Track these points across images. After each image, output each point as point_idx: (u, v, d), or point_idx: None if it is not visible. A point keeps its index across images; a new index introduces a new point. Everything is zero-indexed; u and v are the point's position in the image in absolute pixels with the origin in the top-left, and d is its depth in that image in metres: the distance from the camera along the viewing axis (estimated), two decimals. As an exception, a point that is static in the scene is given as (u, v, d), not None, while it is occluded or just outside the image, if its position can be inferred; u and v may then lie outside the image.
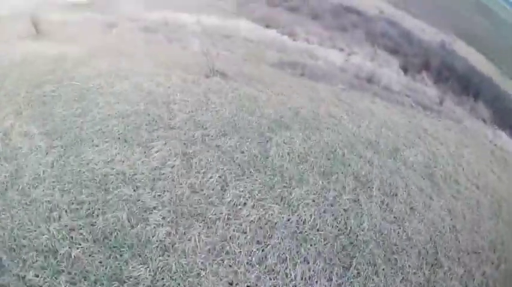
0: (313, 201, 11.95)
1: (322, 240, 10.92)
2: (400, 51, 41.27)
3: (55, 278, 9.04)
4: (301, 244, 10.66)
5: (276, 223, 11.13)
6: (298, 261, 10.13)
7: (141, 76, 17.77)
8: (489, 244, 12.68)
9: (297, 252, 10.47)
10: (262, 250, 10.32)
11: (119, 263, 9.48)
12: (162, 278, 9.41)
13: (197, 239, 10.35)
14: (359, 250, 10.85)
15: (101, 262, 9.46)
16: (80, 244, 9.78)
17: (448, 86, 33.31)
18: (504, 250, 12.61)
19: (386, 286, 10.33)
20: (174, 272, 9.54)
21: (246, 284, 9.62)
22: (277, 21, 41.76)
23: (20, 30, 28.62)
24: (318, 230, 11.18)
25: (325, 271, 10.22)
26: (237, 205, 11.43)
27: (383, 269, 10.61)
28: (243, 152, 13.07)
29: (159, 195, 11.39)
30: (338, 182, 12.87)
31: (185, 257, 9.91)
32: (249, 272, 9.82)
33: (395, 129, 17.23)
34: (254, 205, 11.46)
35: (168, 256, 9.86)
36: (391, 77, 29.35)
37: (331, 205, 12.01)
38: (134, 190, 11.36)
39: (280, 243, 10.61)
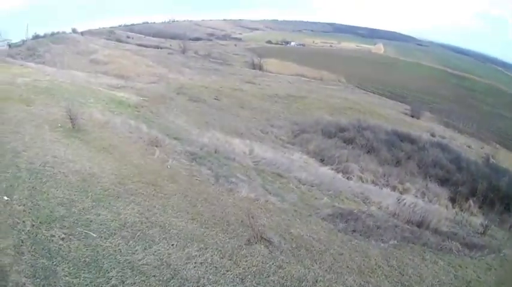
0: None
1: None
2: (450, 180, 40.15)
3: None
4: None
5: None
6: None
7: (172, 241, 14.77)
8: None
9: None
10: None
11: None
12: None
13: None
14: None
15: None
16: None
17: (491, 209, 34.08)
18: None
19: None
20: None
21: None
22: (333, 156, 39.51)
23: (56, 116, 27.55)
24: None
25: None
26: None
27: None
28: None
29: None
30: None
31: None
32: None
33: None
34: None
35: None
36: (440, 214, 27.20)
37: None
38: None
39: None
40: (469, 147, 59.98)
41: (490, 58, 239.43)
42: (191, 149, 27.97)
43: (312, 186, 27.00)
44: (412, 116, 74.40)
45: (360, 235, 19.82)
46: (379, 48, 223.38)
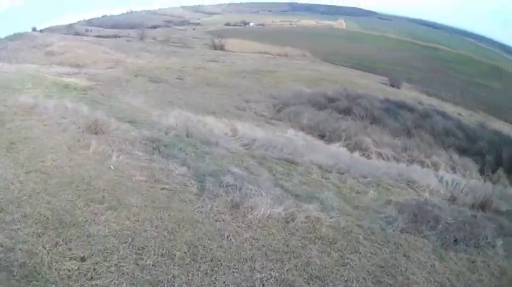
0: None
1: None
2: (469, 149, 33.57)
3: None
4: None
5: None
6: None
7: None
8: None
9: None
10: None
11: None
12: None
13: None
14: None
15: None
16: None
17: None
18: None
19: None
20: None
21: None
22: (336, 130, 30.91)
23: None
24: None
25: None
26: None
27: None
28: None
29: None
30: None
31: None
32: None
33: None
34: None
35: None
36: (486, 190, 20.12)
37: None
38: None
39: None
40: (459, 114, 53.47)
41: (459, 30, 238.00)
42: (151, 135, 17.45)
43: (341, 173, 17.74)
44: (392, 86, 67.91)
45: (466, 245, 12.45)
46: (340, 23, 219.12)
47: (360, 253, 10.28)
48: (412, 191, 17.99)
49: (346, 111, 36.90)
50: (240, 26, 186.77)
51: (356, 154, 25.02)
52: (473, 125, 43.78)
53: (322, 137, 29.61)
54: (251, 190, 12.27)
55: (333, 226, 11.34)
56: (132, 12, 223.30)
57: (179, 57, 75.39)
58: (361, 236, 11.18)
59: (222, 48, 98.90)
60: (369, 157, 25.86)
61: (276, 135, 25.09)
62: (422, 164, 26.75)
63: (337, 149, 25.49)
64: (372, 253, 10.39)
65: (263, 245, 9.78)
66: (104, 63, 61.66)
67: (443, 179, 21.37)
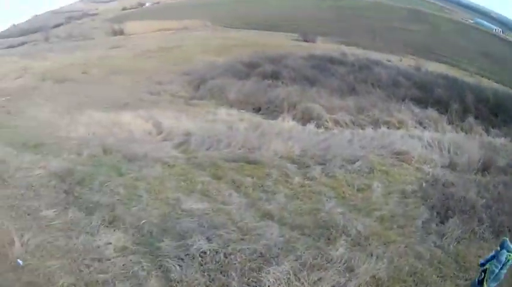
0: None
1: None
2: (422, 99, 28.93)
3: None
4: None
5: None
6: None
7: None
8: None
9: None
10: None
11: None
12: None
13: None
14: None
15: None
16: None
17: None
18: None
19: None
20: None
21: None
22: (271, 100, 25.94)
23: None
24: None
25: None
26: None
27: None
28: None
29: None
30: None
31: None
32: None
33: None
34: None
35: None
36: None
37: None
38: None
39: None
40: (388, 61, 49.15)
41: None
42: (60, 166, 12.21)
43: (323, 164, 14.49)
44: (306, 41, 62.32)
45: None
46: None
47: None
48: (407, 165, 15.63)
49: (274, 76, 30.95)
50: (137, 8, 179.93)
51: (311, 126, 20.70)
52: (411, 71, 40.17)
53: (257, 110, 24.68)
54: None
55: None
56: (36, 16, 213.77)
57: (82, 50, 66.03)
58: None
59: (121, 33, 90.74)
60: (327, 128, 21.34)
61: (208, 120, 20.59)
62: (388, 124, 22.91)
63: (289, 124, 20.72)
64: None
65: None
66: (13, 73, 54.60)
67: (423, 139, 18.96)
